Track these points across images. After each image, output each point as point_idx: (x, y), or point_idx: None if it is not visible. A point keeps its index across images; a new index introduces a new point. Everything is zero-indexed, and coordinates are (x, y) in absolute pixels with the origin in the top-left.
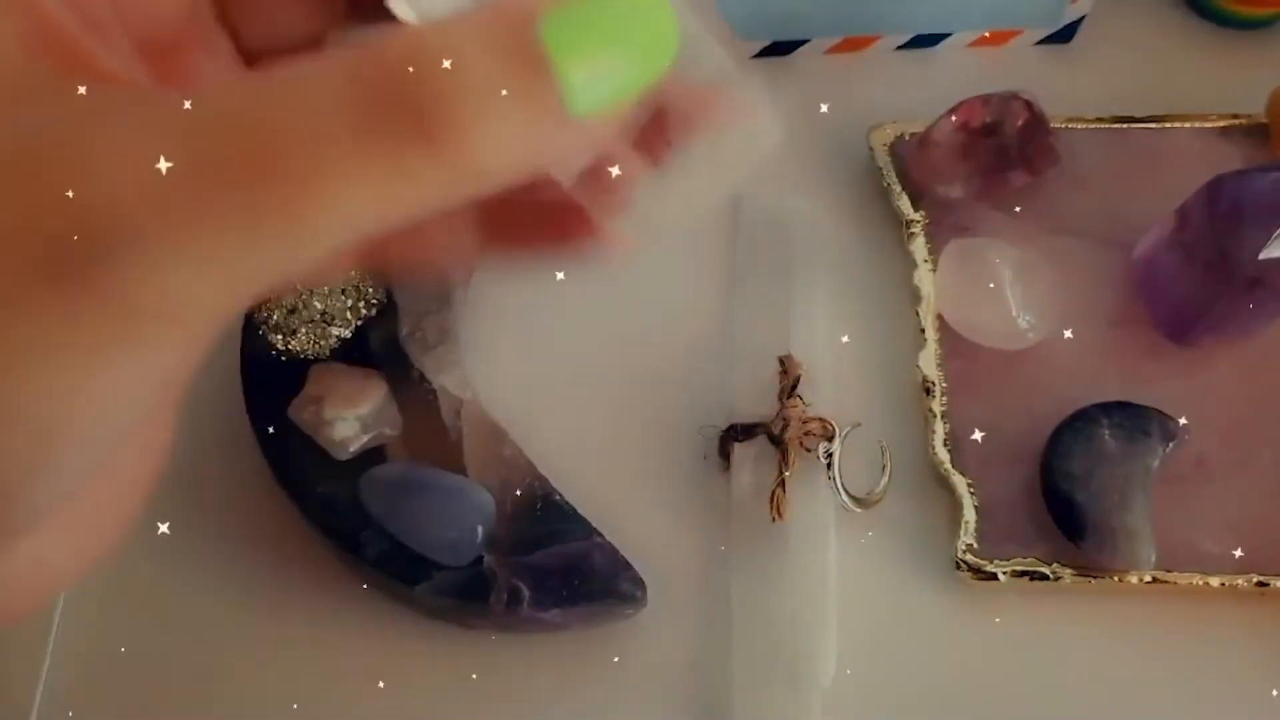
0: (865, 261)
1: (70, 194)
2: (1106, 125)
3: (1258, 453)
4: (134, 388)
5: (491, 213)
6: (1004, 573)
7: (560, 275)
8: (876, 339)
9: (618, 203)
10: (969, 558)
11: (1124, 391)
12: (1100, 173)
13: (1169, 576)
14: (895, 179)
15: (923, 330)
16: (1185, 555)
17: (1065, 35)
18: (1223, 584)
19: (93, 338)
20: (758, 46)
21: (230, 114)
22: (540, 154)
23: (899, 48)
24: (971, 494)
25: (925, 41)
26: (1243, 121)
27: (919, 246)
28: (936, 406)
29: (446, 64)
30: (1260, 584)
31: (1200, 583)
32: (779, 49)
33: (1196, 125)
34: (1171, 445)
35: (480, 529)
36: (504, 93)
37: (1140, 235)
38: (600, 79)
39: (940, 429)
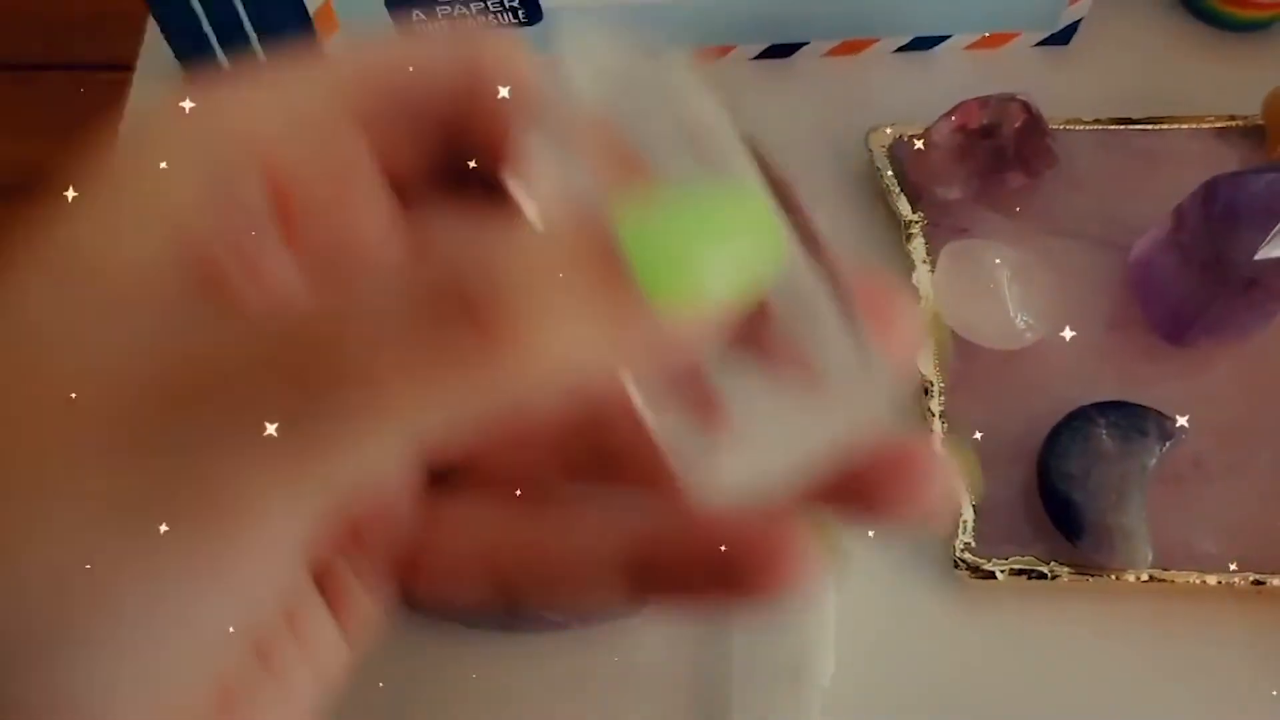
0: (863, 262)
1: (162, 379)
2: (1104, 127)
3: (1255, 453)
4: (215, 593)
5: (646, 554)
6: (1002, 571)
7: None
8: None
9: (705, 436)
10: (967, 556)
11: (1121, 392)
12: (1097, 174)
13: (1166, 575)
14: (894, 181)
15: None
16: (1182, 554)
17: (1063, 38)
18: (1220, 582)
19: (149, 518)
20: (757, 49)
21: (299, 317)
22: (615, 355)
23: (897, 50)
24: (969, 493)
25: (924, 44)
26: (1239, 123)
27: (917, 247)
28: (934, 406)
29: (509, 259)
30: (1257, 582)
31: (1197, 581)
32: (778, 51)
33: (1193, 127)
34: (1168, 445)
35: None
36: (570, 287)
37: (1137, 236)
38: (686, 277)
39: (938, 429)
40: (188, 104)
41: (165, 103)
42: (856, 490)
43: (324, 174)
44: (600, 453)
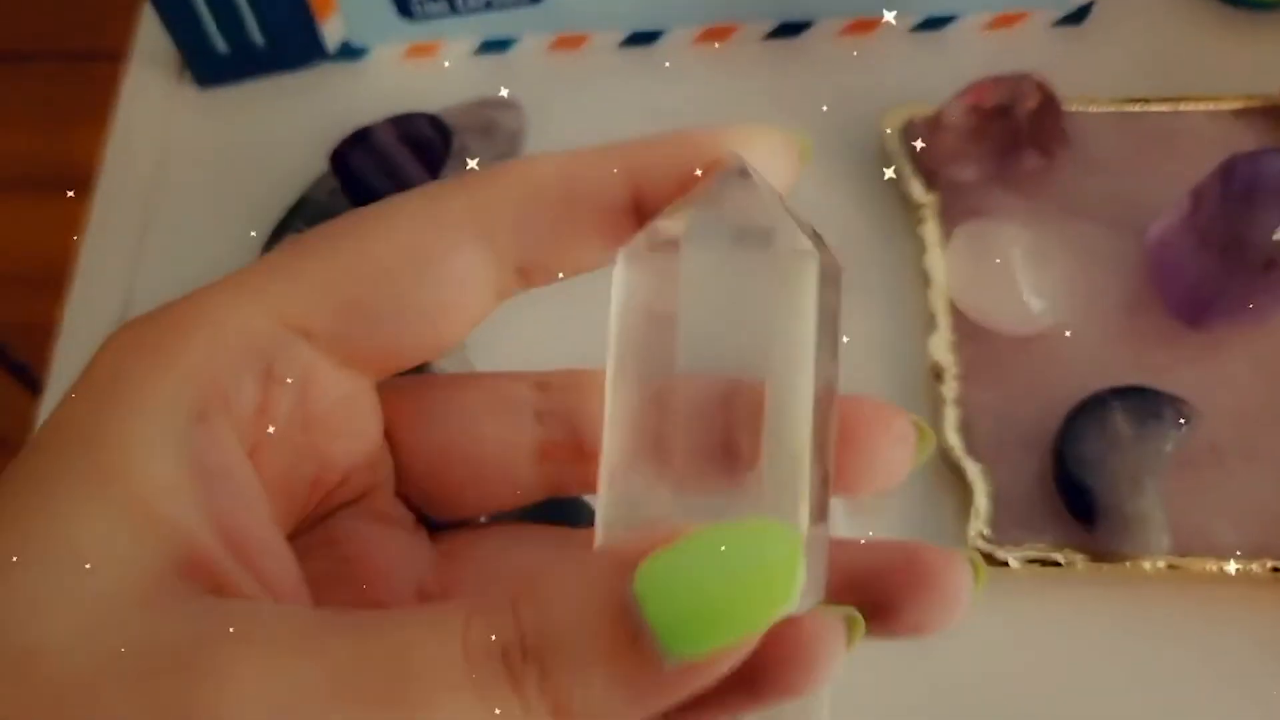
0: (875, 245)
1: (195, 708)
2: (1120, 107)
3: (1273, 438)
4: None
5: None
6: (1016, 560)
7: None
8: (886, 324)
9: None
10: (980, 544)
11: (1137, 377)
12: (1114, 155)
13: (1183, 563)
14: (906, 162)
15: (933, 315)
16: (1200, 541)
17: (1078, 16)
18: (1238, 570)
19: None
20: (767, 27)
21: (364, 642)
22: (639, 705)
23: (911, 29)
24: (984, 480)
25: (937, 23)
26: (1258, 103)
27: (930, 230)
28: (947, 392)
29: (543, 617)
30: (1276, 569)
31: (1215, 569)
32: (788, 30)
33: (1211, 107)
34: (1184, 429)
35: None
36: (594, 651)
37: (1154, 218)
38: (698, 628)
39: (951, 414)
40: (142, 341)
41: (118, 345)
42: (873, 598)
43: (297, 420)
44: None
